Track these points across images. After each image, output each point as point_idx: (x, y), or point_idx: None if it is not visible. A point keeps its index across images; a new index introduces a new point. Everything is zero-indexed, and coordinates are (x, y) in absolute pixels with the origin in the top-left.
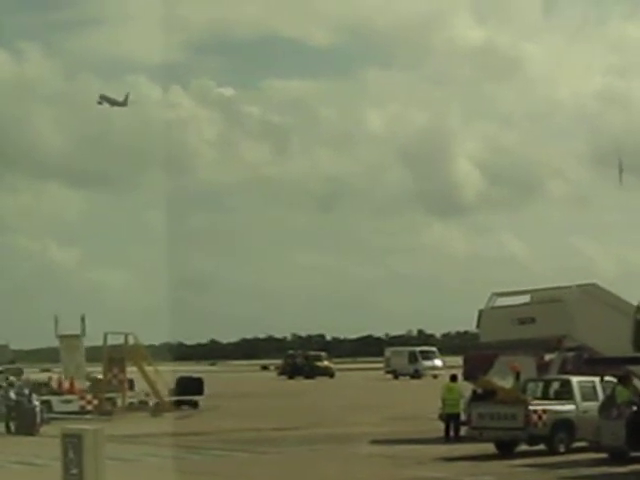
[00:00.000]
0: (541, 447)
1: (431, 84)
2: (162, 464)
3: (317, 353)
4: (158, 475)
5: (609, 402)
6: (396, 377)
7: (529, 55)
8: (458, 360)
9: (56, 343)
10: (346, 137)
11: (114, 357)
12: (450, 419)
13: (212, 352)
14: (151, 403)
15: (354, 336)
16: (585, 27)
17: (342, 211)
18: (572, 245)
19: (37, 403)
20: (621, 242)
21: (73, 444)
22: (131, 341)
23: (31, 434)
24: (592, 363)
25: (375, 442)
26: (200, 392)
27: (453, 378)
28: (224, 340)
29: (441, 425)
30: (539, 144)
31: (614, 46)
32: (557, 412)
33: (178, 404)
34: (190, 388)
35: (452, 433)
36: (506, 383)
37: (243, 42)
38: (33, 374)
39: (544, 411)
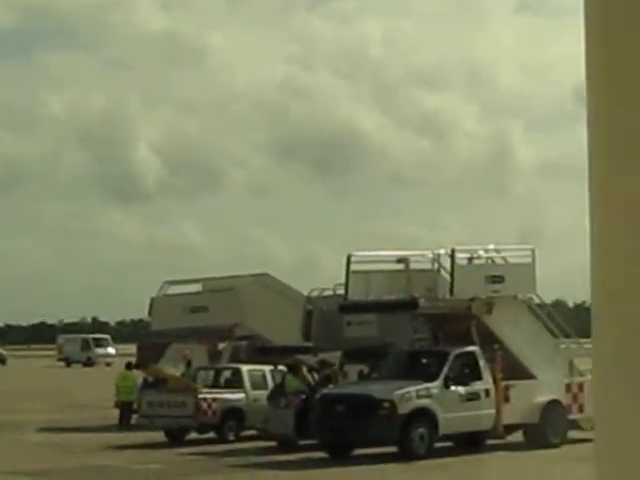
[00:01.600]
0: (211, 435)
1: (112, 68)
2: None
3: None
4: None
5: (278, 391)
6: (68, 365)
7: (212, 43)
8: (132, 348)
9: None
10: (25, 119)
11: None
12: (125, 407)
13: None
14: None
15: (28, 322)
16: (268, 16)
17: (18, 194)
18: (251, 235)
19: None
20: (298, 233)
21: None
22: None
23: None
24: (263, 352)
25: (44, 430)
26: None
27: (128, 366)
28: None
29: (116, 413)
30: (221, 133)
31: (296, 36)
32: (227, 400)
33: None
34: None
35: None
36: (177, 371)
37: None
38: None
39: (214, 399)
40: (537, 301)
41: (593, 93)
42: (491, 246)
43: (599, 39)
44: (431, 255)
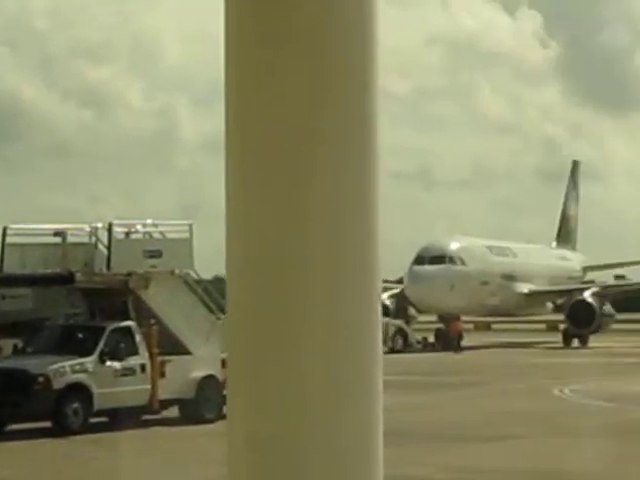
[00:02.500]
0: None
1: None
2: None
3: None
4: None
5: None
6: None
7: None
8: None
9: None
10: None
11: None
12: None
13: None
14: None
15: None
16: None
17: None
18: None
19: None
20: None
21: None
22: None
23: None
24: None
25: None
26: None
27: None
28: None
29: None
30: None
31: None
32: None
33: None
34: None
35: None
36: None
37: None
38: None
39: None
40: (195, 276)
41: (229, 66)
42: (149, 221)
43: (236, 19)
44: (88, 229)
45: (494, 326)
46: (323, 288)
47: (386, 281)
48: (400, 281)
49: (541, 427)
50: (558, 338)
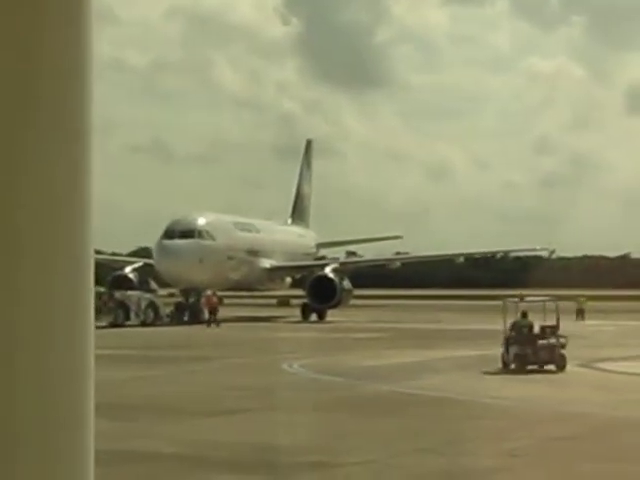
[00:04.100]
0: None
1: None
2: None
3: None
4: None
5: None
6: None
7: None
8: None
9: None
10: None
11: None
12: None
13: None
14: None
15: None
16: None
17: None
18: None
19: None
20: None
21: None
22: None
23: None
24: None
25: None
26: None
27: None
28: None
29: None
30: None
31: None
32: None
33: None
34: None
35: None
36: None
37: None
38: None
39: None
40: None
41: None
42: None
43: None
44: None
45: (226, 301)
46: (31, 263)
47: (115, 254)
48: (133, 254)
49: (266, 402)
50: (293, 312)
